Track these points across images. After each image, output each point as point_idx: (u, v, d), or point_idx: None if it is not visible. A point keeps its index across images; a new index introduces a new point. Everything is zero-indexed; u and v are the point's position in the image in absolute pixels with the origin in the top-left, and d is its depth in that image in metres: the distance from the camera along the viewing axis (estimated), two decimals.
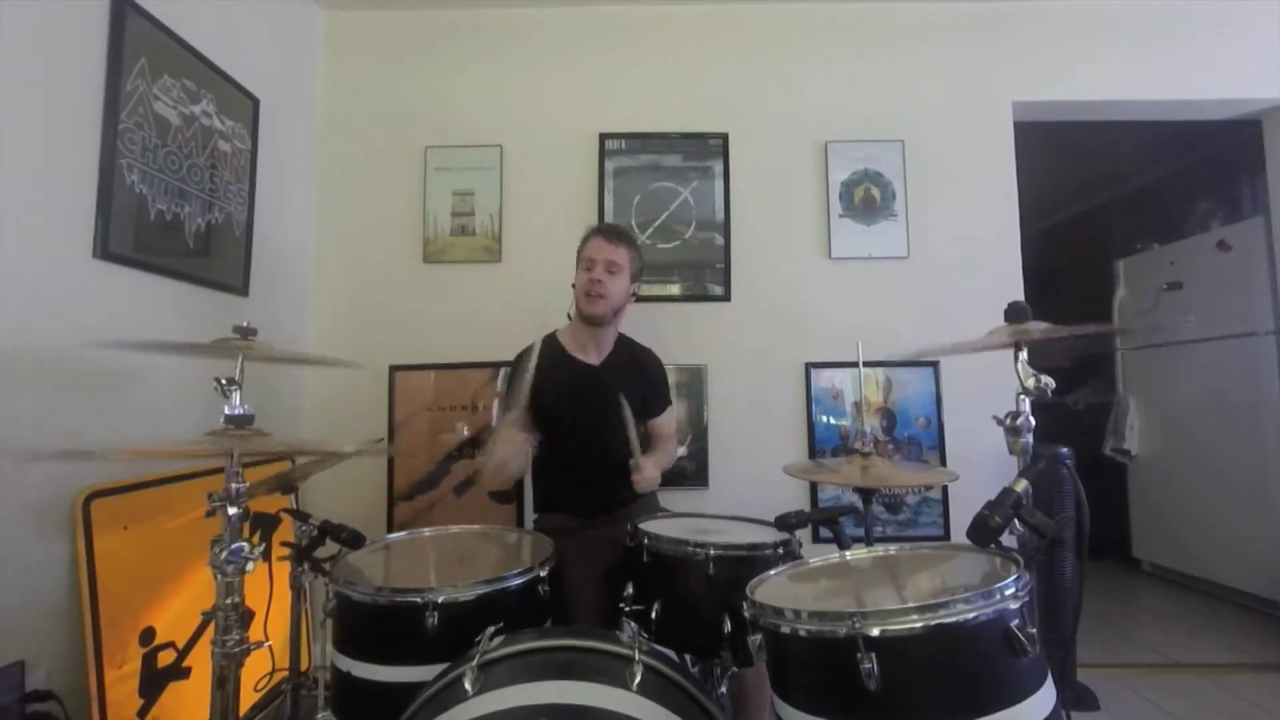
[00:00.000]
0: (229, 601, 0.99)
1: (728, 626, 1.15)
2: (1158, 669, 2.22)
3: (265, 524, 1.85)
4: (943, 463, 2.28)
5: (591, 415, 1.62)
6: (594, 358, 1.71)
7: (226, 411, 1.04)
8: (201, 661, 1.57)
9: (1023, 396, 1.03)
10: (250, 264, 2.01)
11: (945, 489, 2.26)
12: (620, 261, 1.64)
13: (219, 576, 0.99)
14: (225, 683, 0.99)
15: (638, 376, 1.74)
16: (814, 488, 2.25)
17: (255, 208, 2.03)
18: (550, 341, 1.71)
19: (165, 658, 1.50)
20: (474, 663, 0.84)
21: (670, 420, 1.84)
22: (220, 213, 1.88)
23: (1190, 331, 3.06)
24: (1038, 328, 1.05)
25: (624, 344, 1.77)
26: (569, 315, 1.74)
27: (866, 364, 2.26)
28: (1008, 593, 0.78)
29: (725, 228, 2.36)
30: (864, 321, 2.28)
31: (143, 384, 1.58)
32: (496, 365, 2.23)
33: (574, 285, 1.69)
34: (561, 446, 1.67)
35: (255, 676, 1.37)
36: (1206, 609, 2.82)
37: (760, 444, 2.28)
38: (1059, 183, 3.95)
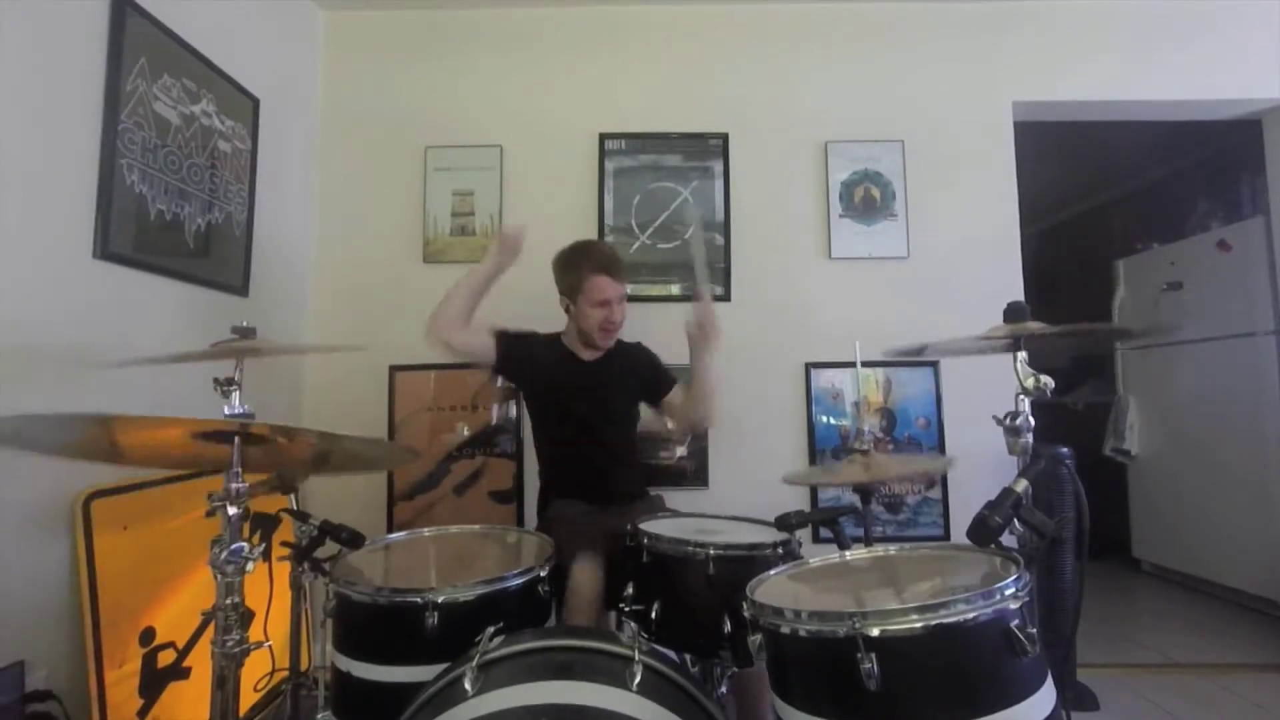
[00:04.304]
0: (229, 601, 0.99)
1: (728, 626, 1.15)
2: (1158, 669, 2.22)
3: (265, 524, 1.85)
4: None
5: (590, 408, 1.69)
6: (587, 356, 1.75)
7: (226, 412, 1.04)
8: (201, 661, 1.57)
9: (1022, 396, 1.03)
10: (250, 264, 2.01)
11: (945, 490, 2.26)
12: (625, 291, 1.70)
13: (219, 576, 0.98)
14: (225, 683, 0.99)
15: (633, 368, 1.79)
16: (814, 488, 2.25)
17: (255, 208, 2.03)
18: (555, 337, 1.78)
19: (165, 658, 1.50)
20: (474, 663, 0.84)
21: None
22: (220, 213, 1.88)
23: (1190, 331, 3.06)
24: (1035, 327, 1.05)
25: (616, 343, 1.80)
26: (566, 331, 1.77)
27: (866, 364, 2.26)
28: (1008, 593, 0.78)
29: (725, 228, 2.36)
30: (864, 321, 2.27)
31: (142, 384, 1.58)
32: None
33: (567, 309, 1.71)
34: (564, 440, 1.73)
35: (255, 676, 1.37)
36: (1206, 609, 2.82)
37: (760, 444, 2.28)
38: (1059, 183, 3.95)
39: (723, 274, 2.34)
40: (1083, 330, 1.04)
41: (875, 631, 0.76)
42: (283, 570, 1.39)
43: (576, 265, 1.67)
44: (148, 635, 1.46)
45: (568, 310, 1.72)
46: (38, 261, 1.35)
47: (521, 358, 1.70)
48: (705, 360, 1.66)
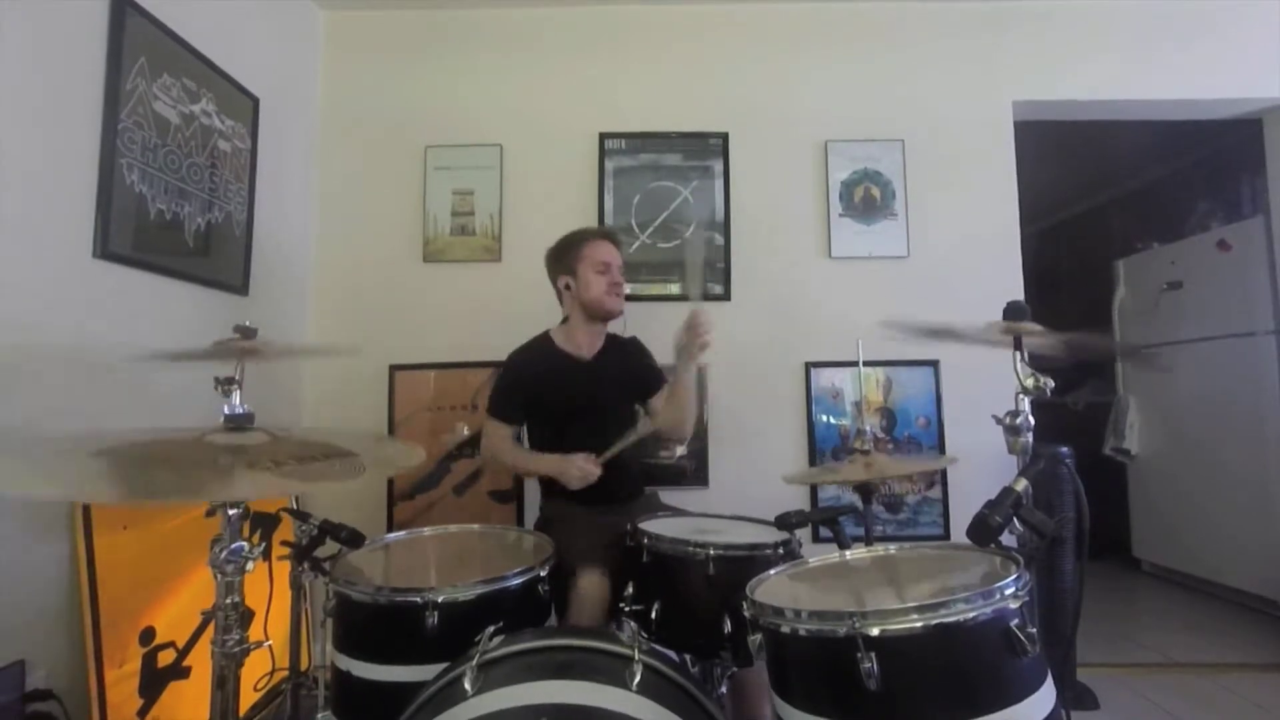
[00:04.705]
0: (229, 601, 0.99)
1: (728, 626, 1.15)
2: (1158, 669, 2.21)
3: (265, 523, 1.85)
4: None
5: (589, 407, 1.69)
6: (587, 352, 1.75)
7: (226, 411, 1.04)
8: (201, 661, 1.57)
9: (1022, 396, 1.03)
10: (250, 263, 2.01)
11: (945, 489, 2.26)
12: (623, 264, 1.76)
13: (219, 576, 0.98)
14: (225, 683, 0.99)
15: (629, 363, 1.80)
16: (814, 487, 2.25)
17: (255, 207, 2.03)
18: (544, 341, 1.77)
19: (165, 657, 1.50)
20: (474, 662, 0.84)
21: None
22: (220, 212, 1.88)
23: (1190, 331, 3.06)
24: (1033, 329, 1.05)
25: (610, 337, 1.82)
26: (566, 318, 1.78)
27: (866, 364, 2.26)
28: (1008, 592, 0.78)
29: (725, 227, 2.36)
30: (864, 321, 2.27)
31: (142, 383, 1.58)
32: (496, 365, 2.23)
33: (567, 287, 1.73)
34: (562, 439, 1.71)
35: (255, 676, 1.37)
36: (1206, 609, 2.82)
37: (760, 443, 2.28)
38: (1059, 183, 3.95)
39: (723, 274, 2.34)
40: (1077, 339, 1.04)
41: (875, 631, 0.76)
42: (283, 570, 1.39)
43: (574, 241, 1.74)
44: (148, 635, 1.46)
45: (567, 289, 1.72)
46: (38, 261, 1.35)
47: (522, 401, 1.72)
48: (689, 370, 1.68)
